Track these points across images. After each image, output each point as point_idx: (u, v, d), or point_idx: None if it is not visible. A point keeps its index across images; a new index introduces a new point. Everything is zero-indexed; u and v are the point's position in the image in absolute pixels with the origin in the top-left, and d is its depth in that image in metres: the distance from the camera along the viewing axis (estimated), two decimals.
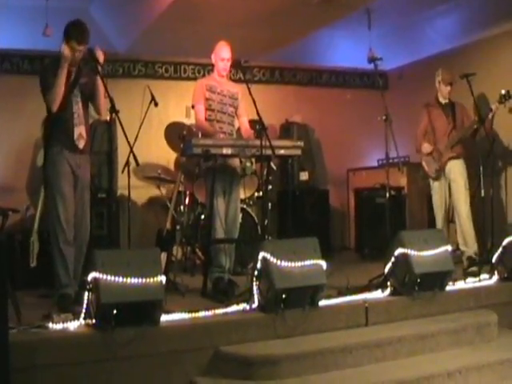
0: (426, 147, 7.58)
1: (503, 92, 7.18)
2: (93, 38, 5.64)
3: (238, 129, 6.75)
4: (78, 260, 5.61)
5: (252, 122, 6.83)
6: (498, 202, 7.51)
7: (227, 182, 6.43)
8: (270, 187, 7.57)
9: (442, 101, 7.64)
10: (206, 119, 6.44)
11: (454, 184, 7.44)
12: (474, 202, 7.41)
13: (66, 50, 5.43)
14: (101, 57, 5.56)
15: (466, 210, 7.35)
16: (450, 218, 7.63)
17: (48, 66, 5.70)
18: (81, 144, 5.63)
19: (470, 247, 7.28)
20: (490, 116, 7.31)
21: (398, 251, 5.81)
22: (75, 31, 5.49)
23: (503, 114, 7.57)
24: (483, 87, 8.06)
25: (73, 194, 5.61)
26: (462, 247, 7.36)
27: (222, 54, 6.45)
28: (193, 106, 6.57)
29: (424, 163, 7.63)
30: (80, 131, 5.62)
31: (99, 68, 5.48)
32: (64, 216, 5.49)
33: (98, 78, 5.58)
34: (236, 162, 6.57)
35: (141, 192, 8.64)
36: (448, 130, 7.49)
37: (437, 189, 7.56)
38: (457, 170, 7.45)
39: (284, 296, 5.10)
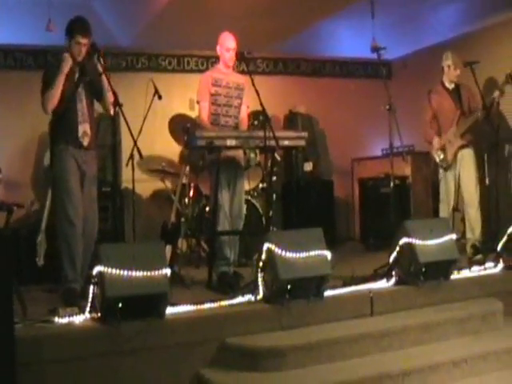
0: (437, 142, 7.45)
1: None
2: (96, 31, 5.66)
3: None
4: (85, 256, 5.61)
5: (256, 113, 6.83)
6: (503, 190, 7.48)
7: (231, 174, 6.43)
8: (274, 178, 7.59)
9: (449, 86, 7.51)
10: (210, 115, 6.45)
11: (465, 172, 7.35)
12: (480, 190, 7.38)
13: (66, 55, 5.47)
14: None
15: (477, 198, 7.30)
16: (455, 207, 7.59)
17: (50, 67, 5.73)
18: (85, 141, 5.64)
19: (475, 235, 7.26)
20: (494, 103, 7.22)
21: (403, 240, 5.82)
22: (77, 25, 5.54)
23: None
24: (487, 75, 8.03)
25: (80, 189, 5.62)
26: (468, 235, 7.33)
27: (228, 44, 6.44)
28: (198, 102, 6.58)
29: (434, 155, 7.51)
30: (84, 129, 5.64)
31: (103, 63, 5.51)
32: (71, 211, 5.50)
33: (103, 75, 5.59)
34: (240, 154, 6.57)
35: (145, 185, 8.65)
36: (456, 117, 7.39)
37: (447, 178, 7.44)
38: (468, 158, 7.37)
39: (289, 287, 5.11)
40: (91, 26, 5.58)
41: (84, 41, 5.52)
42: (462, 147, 7.38)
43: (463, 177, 7.37)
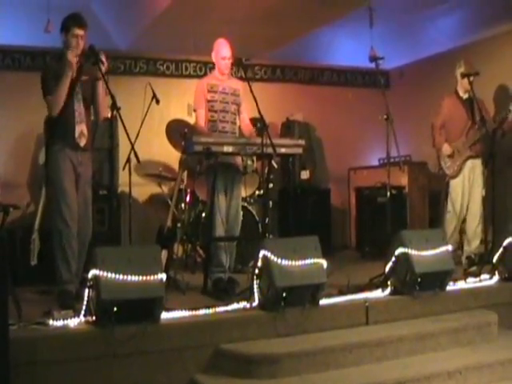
0: (447, 149, 7.47)
1: None
2: (94, 34, 5.65)
3: (239, 126, 6.73)
4: (79, 257, 5.59)
5: (253, 120, 6.83)
6: (499, 202, 7.47)
7: (229, 180, 6.43)
8: (270, 185, 7.56)
9: (463, 95, 7.52)
10: (207, 122, 6.45)
11: (474, 184, 7.40)
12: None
13: (70, 56, 5.41)
14: (105, 62, 5.55)
15: (480, 212, 7.33)
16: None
17: (49, 68, 5.68)
18: (82, 142, 5.61)
19: (473, 247, 7.26)
20: (510, 117, 7.16)
21: (399, 250, 5.81)
22: (72, 18, 5.53)
23: None
24: (485, 87, 8.03)
25: (75, 190, 5.60)
26: (466, 246, 7.32)
27: (223, 53, 6.43)
28: (194, 110, 6.58)
29: (442, 162, 7.53)
30: (81, 129, 5.61)
31: (101, 66, 5.48)
32: (66, 213, 5.47)
33: (99, 82, 5.58)
34: (238, 159, 6.56)
35: (142, 189, 8.61)
36: (467, 127, 7.41)
37: (456, 186, 7.46)
38: (477, 169, 7.42)
39: (284, 294, 5.10)
40: (85, 18, 5.57)
41: (80, 32, 5.49)
42: (471, 157, 7.40)
43: (471, 188, 7.39)
